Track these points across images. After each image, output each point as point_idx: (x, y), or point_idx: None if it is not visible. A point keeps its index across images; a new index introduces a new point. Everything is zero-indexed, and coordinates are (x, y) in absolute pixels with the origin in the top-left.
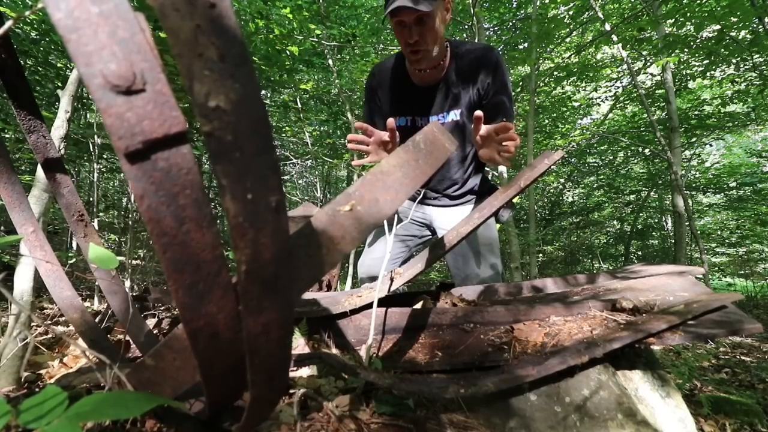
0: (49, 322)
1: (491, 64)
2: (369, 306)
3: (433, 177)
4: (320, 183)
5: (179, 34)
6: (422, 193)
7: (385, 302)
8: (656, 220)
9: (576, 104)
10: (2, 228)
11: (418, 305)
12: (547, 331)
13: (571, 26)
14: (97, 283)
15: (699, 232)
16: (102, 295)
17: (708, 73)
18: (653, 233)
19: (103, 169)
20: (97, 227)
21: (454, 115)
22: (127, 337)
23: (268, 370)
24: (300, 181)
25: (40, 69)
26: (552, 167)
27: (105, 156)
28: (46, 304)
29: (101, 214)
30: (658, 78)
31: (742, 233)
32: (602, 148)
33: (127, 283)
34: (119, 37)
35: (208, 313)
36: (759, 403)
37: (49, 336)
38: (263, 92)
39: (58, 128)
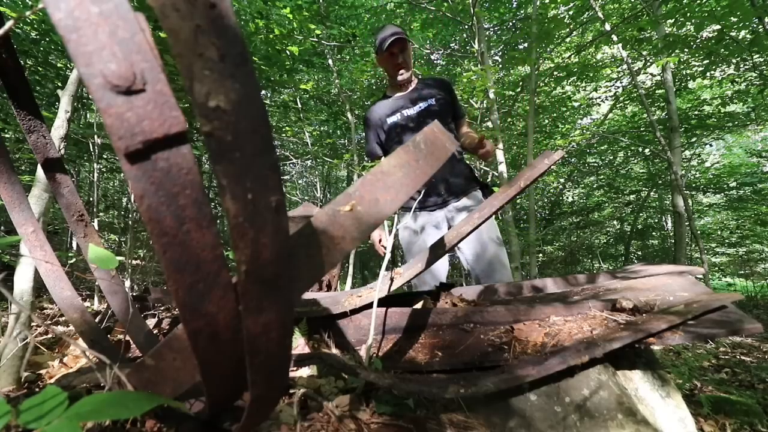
0: (49, 322)
1: (446, 85)
2: (369, 306)
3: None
4: (320, 183)
5: (179, 34)
6: (431, 200)
7: (386, 302)
8: (656, 220)
9: (576, 104)
10: (2, 228)
11: (418, 305)
12: (547, 331)
13: (571, 26)
14: (97, 283)
15: (699, 232)
16: (102, 295)
17: (708, 73)
18: (653, 233)
19: (103, 169)
20: (97, 227)
21: (431, 101)
22: (127, 337)
23: (268, 370)
24: (300, 181)
25: (40, 69)
26: (552, 167)
27: (105, 156)
28: (46, 304)
29: (101, 214)
30: (658, 78)
31: (742, 233)
32: (602, 148)
33: (127, 283)
34: (119, 37)
35: (208, 313)
36: (759, 403)
37: (49, 336)
38: (263, 92)
39: (58, 128)
